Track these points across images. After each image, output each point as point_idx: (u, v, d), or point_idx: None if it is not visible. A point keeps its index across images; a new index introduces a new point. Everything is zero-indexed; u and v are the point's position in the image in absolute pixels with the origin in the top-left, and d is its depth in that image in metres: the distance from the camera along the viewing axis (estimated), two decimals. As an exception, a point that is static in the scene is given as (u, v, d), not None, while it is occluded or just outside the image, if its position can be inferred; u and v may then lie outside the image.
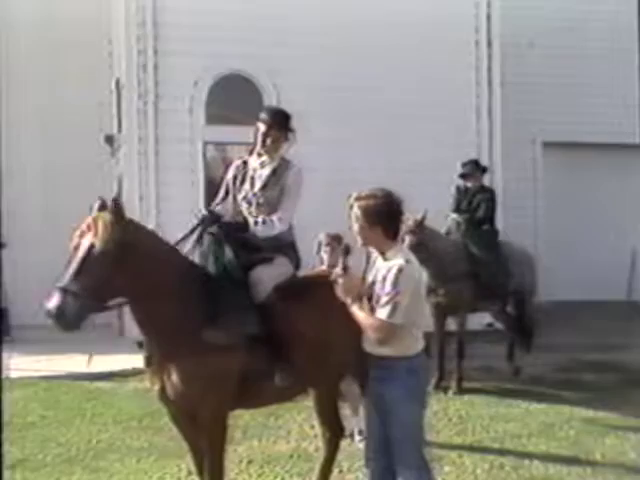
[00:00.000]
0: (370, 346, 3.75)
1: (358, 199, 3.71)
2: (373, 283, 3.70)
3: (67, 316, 3.51)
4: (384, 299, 3.59)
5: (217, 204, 4.68)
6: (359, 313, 3.67)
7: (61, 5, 11.95)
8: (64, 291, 3.52)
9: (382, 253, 3.74)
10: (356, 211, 3.69)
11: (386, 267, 3.65)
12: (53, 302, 3.50)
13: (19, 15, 11.98)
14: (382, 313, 3.59)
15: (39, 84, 11.98)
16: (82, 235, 3.69)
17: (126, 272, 3.68)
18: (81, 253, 3.62)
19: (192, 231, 4.33)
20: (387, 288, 3.58)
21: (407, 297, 3.60)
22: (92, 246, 3.62)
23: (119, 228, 3.67)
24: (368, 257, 3.91)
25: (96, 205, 3.80)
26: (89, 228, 3.69)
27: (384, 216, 3.68)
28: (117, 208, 3.75)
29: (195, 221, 4.37)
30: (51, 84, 11.99)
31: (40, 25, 11.97)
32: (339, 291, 3.72)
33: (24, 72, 11.91)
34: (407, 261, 3.66)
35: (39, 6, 11.94)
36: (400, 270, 3.59)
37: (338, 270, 3.72)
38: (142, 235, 3.93)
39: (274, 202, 4.43)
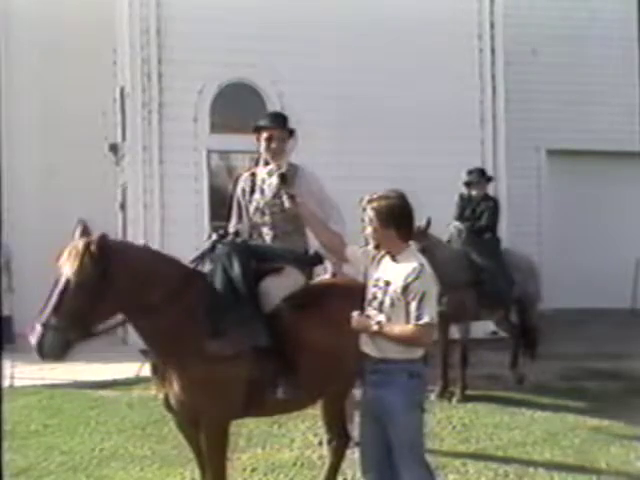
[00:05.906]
0: (374, 349, 3.69)
1: (371, 201, 3.70)
2: (387, 283, 3.65)
3: (48, 349, 3.66)
4: (414, 304, 3.55)
5: (234, 225, 4.66)
6: (392, 331, 3.60)
7: (65, 14, 12.01)
8: (44, 326, 3.65)
9: (393, 255, 3.72)
10: (369, 213, 3.68)
11: (404, 268, 3.62)
12: (34, 337, 3.66)
13: (23, 24, 12.05)
14: (422, 317, 3.55)
15: (43, 93, 12.02)
16: (62, 265, 3.73)
17: (109, 298, 3.75)
18: (59, 287, 3.69)
19: (203, 255, 4.35)
20: (415, 292, 3.56)
21: (433, 295, 3.63)
22: (68, 279, 3.68)
23: (91, 258, 3.69)
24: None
25: (78, 231, 3.84)
26: (68, 257, 3.72)
27: (397, 217, 3.67)
28: (88, 236, 3.78)
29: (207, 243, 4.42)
30: (55, 93, 12.02)
31: (44, 33, 12.03)
32: (355, 328, 3.69)
33: (28, 81, 11.96)
34: (422, 264, 3.66)
35: (43, 14, 12.00)
36: (421, 271, 3.59)
37: (355, 314, 3.68)
38: (123, 257, 3.87)
39: (287, 208, 4.34)
